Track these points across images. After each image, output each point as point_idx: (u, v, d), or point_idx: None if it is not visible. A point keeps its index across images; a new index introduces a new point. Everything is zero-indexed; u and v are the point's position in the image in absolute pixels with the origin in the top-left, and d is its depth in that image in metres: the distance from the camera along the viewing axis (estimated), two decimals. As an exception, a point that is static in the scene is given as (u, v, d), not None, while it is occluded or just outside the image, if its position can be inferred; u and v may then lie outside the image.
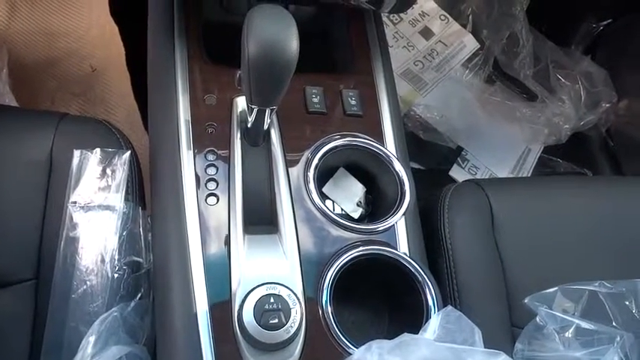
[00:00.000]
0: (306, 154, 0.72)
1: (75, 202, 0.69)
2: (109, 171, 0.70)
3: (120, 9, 1.22)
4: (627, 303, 0.70)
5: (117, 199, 0.68)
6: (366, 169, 0.78)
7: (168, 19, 0.80)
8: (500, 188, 0.86)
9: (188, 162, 0.68)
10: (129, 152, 0.73)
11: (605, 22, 1.65)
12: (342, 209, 0.76)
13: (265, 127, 0.68)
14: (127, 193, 0.71)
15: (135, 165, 0.75)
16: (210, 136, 0.71)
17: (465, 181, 0.87)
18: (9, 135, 0.78)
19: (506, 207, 0.83)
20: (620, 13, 1.61)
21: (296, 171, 0.71)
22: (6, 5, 1.43)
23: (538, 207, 0.86)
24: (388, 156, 0.74)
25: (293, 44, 0.54)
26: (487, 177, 1.46)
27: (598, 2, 1.63)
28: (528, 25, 1.57)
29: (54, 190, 0.75)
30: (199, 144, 0.70)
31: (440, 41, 1.59)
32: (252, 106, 0.63)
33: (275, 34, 0.53)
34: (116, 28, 1.21)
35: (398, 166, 0.74)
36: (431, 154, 1.46)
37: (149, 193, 0.73)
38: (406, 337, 0.56)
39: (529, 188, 0.90)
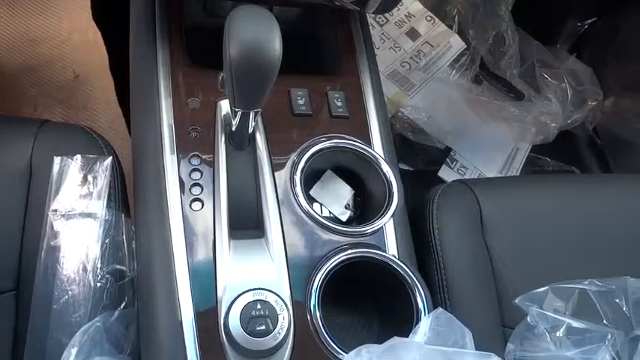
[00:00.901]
0: (292, 157, 0.71)
1: (55, 210, 0.67)
2: (90, 177, 0.69)
3: (102, 14, 1.20)
4: (617, 301, 0.70)
5: (99, 206, 0.67)
6: (354, 171, 0.77)
7: (149, 22, 0.78)
8: (488, 188, 0.85)
9: (172, 167, 0.67)
10: (110, 158, 0.72)
11: (589, 21, 1.66)
12: (330, 212, 0.75)
13: (250, 130, 0.67)
14: (109, 199, 0.69)
15: (117, 171, 0.74)
16: (194, 141, 0.69)
17: (454, 181, 0.86)
18: None
19: (495, 207, 0.83)
20: (603, 12, 1.62)
21: (282, 174, 0.70)
22: (-15, 11, 1.41)
23: (527, 206, 0.86)
24: (375, 157, 0.74)
25: (275, 45, 0.53)
26: (476, 177, 1.46)
27: (581, 1, 1.64)
28: (514, 25, 1.58)
29: (34, 198, 0.73)
30: (183, 148, 0.68)
31: (426, 42, 1.59)
32: (236, 109, 0.62)
33: (257, 35, 0.52)
34: (99, 34, 1.19)
35: (385, 168, 0.73)
36: (419, 155, 1.46)
37: (133, 200, 0.71)
38: (396, 340, 0.55)
39: (517, 188, 0.90)
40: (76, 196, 0.67)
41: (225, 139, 0.70)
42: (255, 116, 0.63)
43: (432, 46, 1.60)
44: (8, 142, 0.77)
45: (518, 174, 1.48)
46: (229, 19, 0.53)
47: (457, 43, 1.60)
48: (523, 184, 0.93)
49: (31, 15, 1.42)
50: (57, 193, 0.68)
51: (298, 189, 0.69)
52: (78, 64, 1.32)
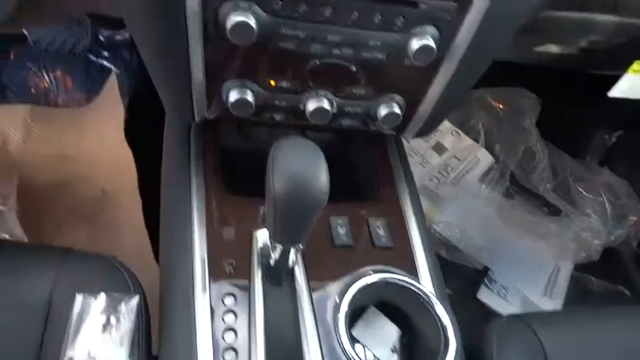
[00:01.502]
0: (335, 294, 0.65)
1: (71, 359, 0.60)
2: (113, 320, 0.62)
3: (135, 134, 1.22)
4: None
5: (121, 355, 0.60)
6: (400, 308, 0.69)
7: (184, 145, 0.77)
8: (549, 325, 0.76)
9: (203, 309, 0.60)
10: (137, 297, 0.65)
11: (617, 134, 1.65)
12: (374, 355, 0.67)
13: (290, 265, 0.61)
14: (132, 346, 0.62)
15: (143, 312, 0.67)
16: (229, 276, 0.64)
17: (510, 317, 0.78)
18: (7, 274, 0.71)
19: (559, 346, 0.74)
20: (631, 124, 1.61)
21: (324, 314, 0.63)
22: (22, 128, 1.44)
23: (591, 344, 0.77)
24: (427, 295, 0.66)
25: (322, 180, 0.49)
26: (518, 299, 1.35)
27: (606, 115, 1.64)
28: (542, 139, 1.57)
29: (49, 338, 0.66)
30: (216, 285, 0.63)
31: (454, 156, 1.59)
32: (277, 245, 0.57)
33: (303, 169, 0.49)
34: (130, 153, 1.20)
35: (439, 309, 0.65)
36: (455, 275, 1.36)
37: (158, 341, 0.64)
38: None
39: (579, 323, 0.81)
40: (96, 341, 0.60)
41: (262, 275, 0.64)
42: (296, 252, 0.59)
43: (460, 160, 1.58)
44: (30, 273, 0.72)
45: (563, 297, 1.37)
46: (273, 151, 0.50)
47: (485, 157, 1.59)
48: (583, 319, 0.83)
49: (65, 132, 1.45)
50: (75, 336, 0.61)
51: (342, 332, 0.61)
52: (107, 182, 1.32)
